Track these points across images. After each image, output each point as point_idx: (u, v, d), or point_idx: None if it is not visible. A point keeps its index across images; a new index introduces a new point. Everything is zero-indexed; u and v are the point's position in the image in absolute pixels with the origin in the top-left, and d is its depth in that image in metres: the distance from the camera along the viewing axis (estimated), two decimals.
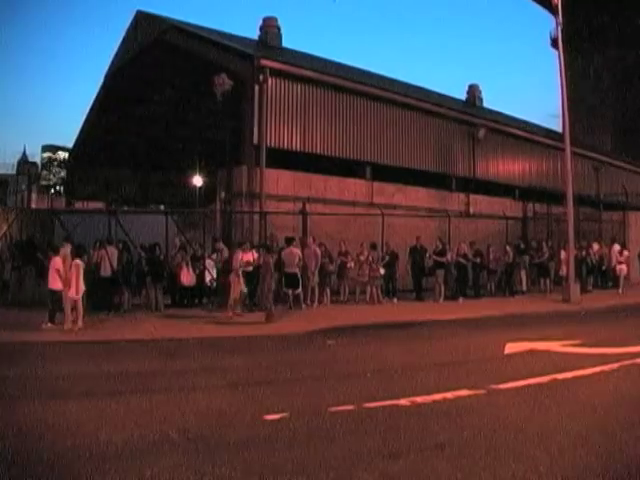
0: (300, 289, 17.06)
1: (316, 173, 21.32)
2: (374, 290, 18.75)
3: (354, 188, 22.36)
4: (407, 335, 13.32)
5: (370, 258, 18.67)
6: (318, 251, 17.80)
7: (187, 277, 17.12)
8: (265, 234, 18.81)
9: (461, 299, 19.73)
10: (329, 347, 11.78)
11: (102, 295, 15.95)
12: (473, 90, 36.34)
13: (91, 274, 16.28)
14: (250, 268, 16.78)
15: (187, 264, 17.12)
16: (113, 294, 16.29)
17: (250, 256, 16.71)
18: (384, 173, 23.22)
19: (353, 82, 22.93)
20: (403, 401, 7.24)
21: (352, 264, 18.89)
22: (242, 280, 15.66)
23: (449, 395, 7.51)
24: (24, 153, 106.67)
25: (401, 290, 20.20)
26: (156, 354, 10.81)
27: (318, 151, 21.45)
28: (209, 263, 17.98)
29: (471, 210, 26.05)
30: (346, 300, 18.96)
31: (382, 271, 18.80)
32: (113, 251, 16.29)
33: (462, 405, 7.17)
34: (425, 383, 8.32)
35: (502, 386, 8.00)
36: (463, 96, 36.44)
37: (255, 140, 19.72)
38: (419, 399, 7.33)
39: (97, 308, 15.58)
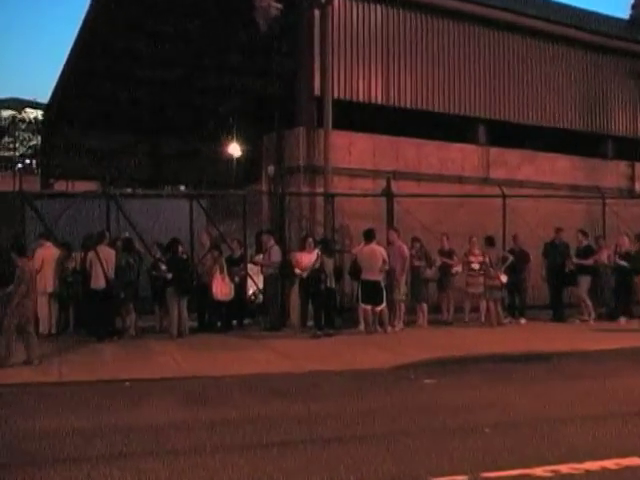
0: (384, 304, 17.05)
1: (406, 136, 21.23)
2: (492, 306, 18.64)
3: (461, 157, 22.18)
4: (542, 373, 13.12)
5: (486, 260, 18.52)
6: (405, 250, 17.75)
7: (222, 288, 17.27)
8: (333, 225, 18.84)
9: (622, 319, 19.29)
10: (427, 389, 11.72)
11: (96, 316, 16.32)
12: None
13: (80, 286, 16.71)
14: (304, 274, 16.98)
15: (222, 270, 17.30)
16: (114, 314, 16.61)
17: (312, 257, 16.81)
18: (505, 134, 22.94)
19: (458, 0, 22.63)
20: (539, 470, 7.09)
21: (459, 268, 18.84)
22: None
23: (610, 464, 7.31)
24: None
25: (532, 306, 19.96)
26: (178, 399, 10.93)
27: (408, 104, 21.34)
28: (252, 268, 18.16)
29: (637, 187, 25.46)
30: (451, 320, 18.95)
31: (504, 278, 18.61)
32: (109, 252, 16.38)
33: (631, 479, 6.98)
34: (572, 444, 8.12)
35: None
36: (625, 13, 35.38)
37: (316, 90, 19.72)
38: (564, 468, 7.16)
39: (91, 333, 15.97)
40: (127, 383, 11.97)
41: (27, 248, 15.01)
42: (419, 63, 21.55)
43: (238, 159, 37.44)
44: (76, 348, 14.84)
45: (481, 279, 18.64)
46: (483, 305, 18.80)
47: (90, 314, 16.55)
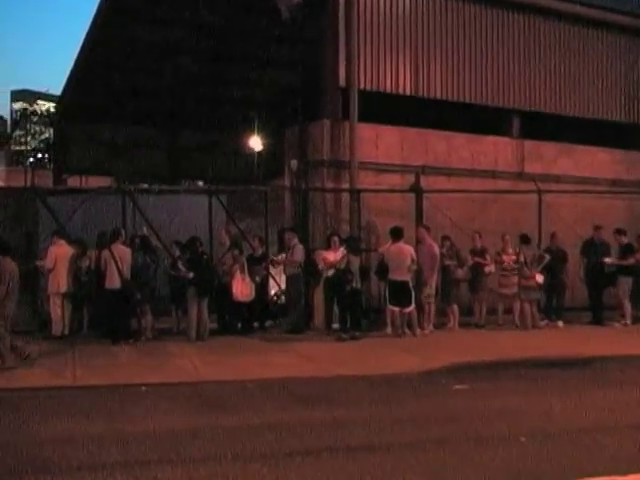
0: (413, 306, 17.00)
1: (435, 129, 21.15)
2: (527, 308, 18.52)
3: (494, 151, 22.04)
4: (580, 379, 13.05)
5: (521, 259, 18.40)
6: (435, 248, 17.70)
7: (243, 289, 17.28)
8: (359, 222, 18.79)
9: None
10: (458, 395, 11.67)
11: (111, 317, 16.35)
12: None
13: (94, 285, 16.74)
14: (329, 273, 16.99)
15: (242, 269, 17.30)
16: (130, 315, 16.63)
17: (338, 256, 16.80)
18: (540, 126, 22.78)
19: None
20: None
21: (492, 268, 18.68)
22: None
23: None
24: None
25: (570, 308, 19.84)
26: (197, 405, 10.97)
27: (438, 95, 21.23)
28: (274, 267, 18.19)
29: None
30: (483, 323, 18.85)
31: (540, 279, 18.48)
32: (125, 251, 16.35)
33: None
34: (614, 455, 8.05)
35: None
36: None
37: (342, 81, 19.66)
38: None
39: (106, 335, 16.04)
40: (143, 387, 12.00)
41: (11, 247, 14.24)
42: (449, 51, 21.42)
43: (259, 153, 37.38)
44: (90, 351, 14.89)
45: (515, 279, 18.50)
46: (517, 307, 18.68)
47: (105, 315, 16.59)
